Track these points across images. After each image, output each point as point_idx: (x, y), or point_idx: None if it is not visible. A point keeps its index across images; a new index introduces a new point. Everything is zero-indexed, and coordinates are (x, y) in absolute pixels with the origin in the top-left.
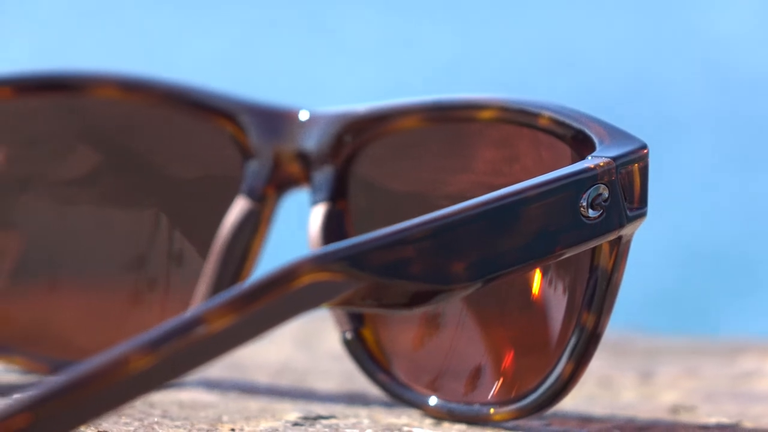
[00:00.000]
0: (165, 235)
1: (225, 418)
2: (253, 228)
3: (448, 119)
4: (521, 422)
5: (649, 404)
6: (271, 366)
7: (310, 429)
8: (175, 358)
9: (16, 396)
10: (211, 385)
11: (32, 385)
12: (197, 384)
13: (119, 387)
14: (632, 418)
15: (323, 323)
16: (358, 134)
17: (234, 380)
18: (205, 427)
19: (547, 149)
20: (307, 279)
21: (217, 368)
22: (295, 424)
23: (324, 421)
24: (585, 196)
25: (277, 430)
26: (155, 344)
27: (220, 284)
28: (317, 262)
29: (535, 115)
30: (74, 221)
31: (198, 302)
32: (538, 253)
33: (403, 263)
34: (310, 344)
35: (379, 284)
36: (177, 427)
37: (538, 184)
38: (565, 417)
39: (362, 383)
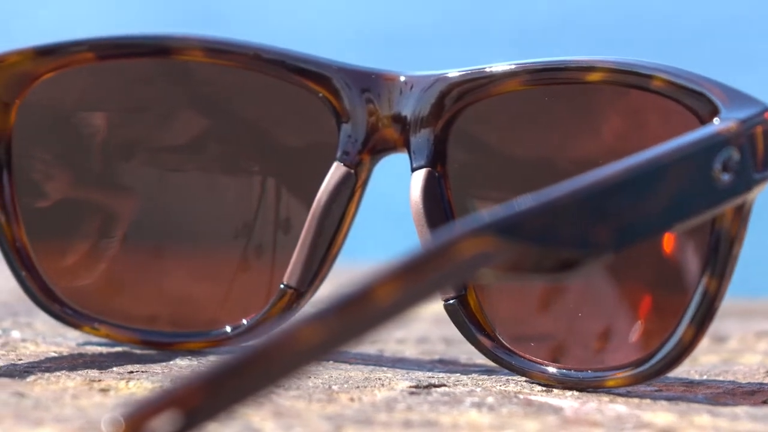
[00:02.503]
0: (260, 201)
1: (335, 387)
2: (349, 193)
3: (553, 82)
4: (632, 388)
5: (740, 368)
6: None
7: (429, 398)
8: (344, 329)
9: (190, 371)
10: None
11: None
12: None
13: (290, 361)
14: (735, 383)
15: None
16: (459, 98)
17: None
18: (324, 397)
19: (663, 111)
20: (466, 249)
21: None
22: (411, 393)
23: (438, 389)
24: (717, 159)
25: (396, 399)
26: (326, 316)
27: (316, 250)
28: (475, 232)
29: (648, 77)
30: (161, 190)
31: (294, 268)
32: (674, 218)
33: (555, 231)
34: None
35: (531, 252)
36: (295, 397)
37: (676, 148)
38: (668, 383)
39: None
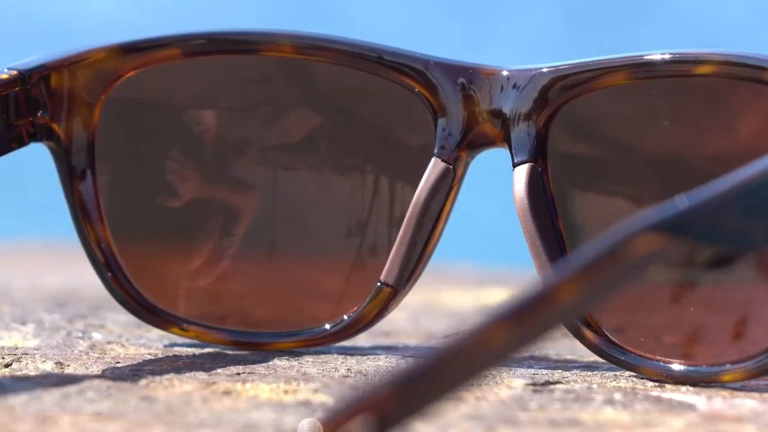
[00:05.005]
0: (356, 199)
1: None
2: (447, 189)
3: (660, 75)
4: (747, 382)
5: None
6: (417, 332)
7: (554, 396)
8: (530, 330)
9: (381, 374)
10: (387, 351)
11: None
12: (366, 350)
13: (480, 362)
14: None
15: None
16: (561, 92)
17: (386, 344)
18: None
19: None
20: (638, 248)
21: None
22: (535, 391)
23: (558, 387)
24: None
25: (523, 398)
26: (515, 317)
27: (414, 247)
28: (645, 230)
29: (762, 69)
30: (249, 188)
31: (392, 265)
32: None
33: (716, 228)
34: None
35: (696, 249)
36: None
37: None
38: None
39: None
